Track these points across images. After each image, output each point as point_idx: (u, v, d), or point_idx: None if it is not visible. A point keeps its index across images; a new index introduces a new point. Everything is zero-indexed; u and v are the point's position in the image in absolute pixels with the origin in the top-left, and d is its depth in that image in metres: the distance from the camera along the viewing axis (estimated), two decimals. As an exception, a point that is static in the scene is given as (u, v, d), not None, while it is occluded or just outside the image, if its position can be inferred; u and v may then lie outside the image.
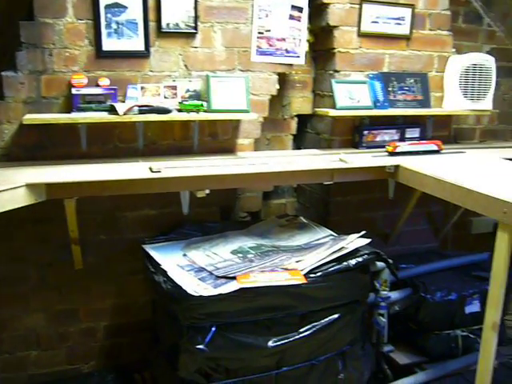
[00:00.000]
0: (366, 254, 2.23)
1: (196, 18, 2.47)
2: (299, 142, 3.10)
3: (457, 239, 3.45)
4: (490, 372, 2.02)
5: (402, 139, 2.86)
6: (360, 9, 2.74)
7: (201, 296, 1.94)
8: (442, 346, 2.72)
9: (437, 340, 2.71)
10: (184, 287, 1.98)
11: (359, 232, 2.33)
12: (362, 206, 2.98)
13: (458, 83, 2.86)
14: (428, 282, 2.70)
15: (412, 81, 2.88)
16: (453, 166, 2.45)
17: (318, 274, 2.11)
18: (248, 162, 2.46)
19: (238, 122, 2.62)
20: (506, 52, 3.57)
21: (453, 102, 2.91)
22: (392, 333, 2.67)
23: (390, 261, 2.41)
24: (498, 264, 1.90)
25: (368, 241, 2.27)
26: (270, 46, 2.60)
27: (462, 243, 3.45)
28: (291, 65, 2.71)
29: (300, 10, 2.61)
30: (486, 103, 2.93)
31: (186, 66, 2.51)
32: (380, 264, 2.41)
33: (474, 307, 2.70)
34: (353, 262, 2.18)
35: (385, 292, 2.55)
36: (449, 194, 2.09)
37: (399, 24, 2.82)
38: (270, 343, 2.08)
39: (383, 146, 2.68)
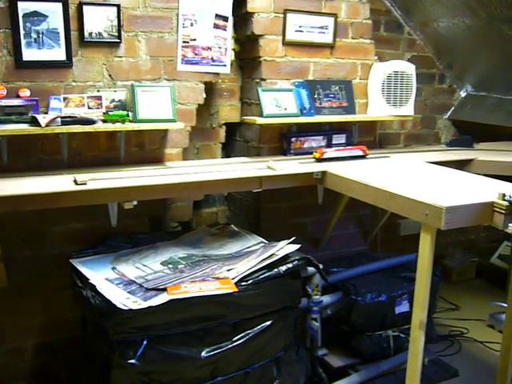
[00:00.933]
0: (296, 259, 2.25)
1: (119, 27, 2.43)
2: (229, 151, 3.11)
3: (386, 241, 3.56)
4: (419, 370, 2.08)
5: (329, 145, 2.92)
6: (284, 18, 2.79)
7: (130, 310, 1.90)
8: (375, 347, 2.77)
9: (369, 341, 2.76)
10: (113, 301, 1.93)
11: (290, 238, 2.36)
12: (293, 212, 3.01)
13: (381, 90, 2.95)
14: (358, 284, 2.75)
15: (337, 88, 2.95)
16: (377, 171, 2.52)
17: (249, 281, 2.11)
18: (176, 171, 2.44)
19: (165, 131, 2.60)
20: (425, 59, 3.72)
21: (376, 108, 3.00)
22: (326, 336, 2.70)
23: (320, 266, 2.45)
24: (422, 265, 1.97)
25: (297, 247, 2.29)
26: (196, 54, 2.60)
27: (391, 245, 3.56)
28: (218, 74, 2.72)
29: (225, 19, 2.63)
30: (408, 109, 3.04)
31: (110, 75, 2.47)
32: (311, 269, 2.44)
33: (403, 307, 2.77)
34: (283, 268, 2.19)
35: (317, 297, 2.58)
36: (373, 198, 2.14)
37: (323, 33, 2.88)
38: (204, 354, 2.06)
39: (311, 153, 2.72)
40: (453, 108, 3.91)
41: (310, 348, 2.65)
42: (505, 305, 2.31)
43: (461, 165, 2.85)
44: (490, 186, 2.14)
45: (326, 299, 2.67)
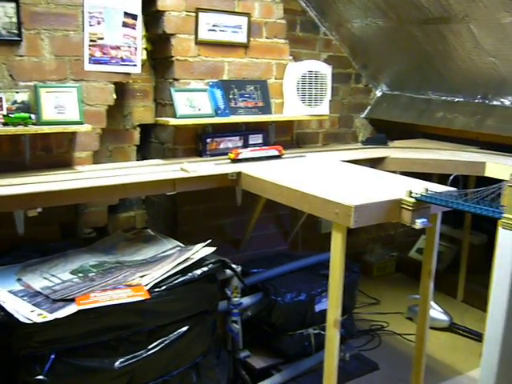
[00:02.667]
0: (211, 263, 2.21)
1: (19, 24, 2.30)
2: (144, 153, 3.02)
3: (307, 240, 3.58)
4: (336, 367, 2.08)
5: (246, 146, 2.90)
6: (196, 17, 2.74)
7: (35, 323, 1.80)
8: (296, 346, 2.78)
9: (291, 340, 2.77)
10: (16, 315, 1.83)
11: (209, 240, 2.31)
12: (212, 214, 2.97)
13: (296, 90, 2.96)
14: (278, 284, 2.75)
15: (252, 88, 2.93)
16: (292, 170, 2.52)
17: (163, 287, 2.06)
18: (86, 175, 2.34)
19: (73, 134, 2.49)
20: (342, 59, 3.79)
21: (292, 107, 3.00)
22: (247, 338, 2.69)
23: (239, 267, 2.43)
24: (334, 263, 1.98)
25: (213, 249, 2.26)
26: (104, 54, 2.50)
27: (312, 243, 3.58)
28: (129, 74, 2.63)
29: (134, 17, 2.55)
30: (323, 108, 3.06)
31: (11, 75, 2.33)
32: (229, 272, 2.41)
33: (322, 305, 2.79)
34: (198, 272, 2.15)
35: (236, 299, 2.56)
36: (286, 198, 2.14)
37: (236, 32, 2.86)
38: (117, 364, 1.98)
39: (227, 154, 2.69)
40: (369, 107, 4.00)
41: (231, 351, 2.63)
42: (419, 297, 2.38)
43: (375, 163, 2.90)
44: (400, 184, 2.19)
45: (246, 301, 2.65)
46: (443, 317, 3.34)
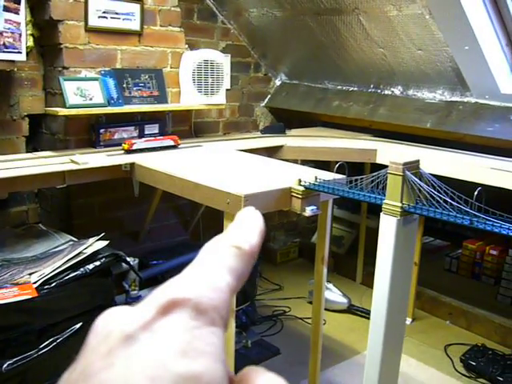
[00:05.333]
0: (104, 256, 2.16)
1: None
2: (35, 144, 2.89)
3: (210, 229, 3.57)
4: (232, 355, 2.10)
5: (142, 136, 2.84)
6: (86, 3, 2.63)
7: None
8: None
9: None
10: None
11: (103, 234, 2.26)
12: (109, 206, 2.90)
13: (192, 79, 2.93)
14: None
15: (147, 77, 2.87)
16: (187, 161, 2.50)
17: (53, 284, 1.99)
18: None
19: (-49, 125, 2.34)
20: (241, 48, 3.79)
21: (188, 96, 2.97)
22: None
23: (134, 260, 2.39)
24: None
25: (106, 243, 2.20)
26: (-15, 40, 2.36)
27: (216, 232, 3.58)
28: (13, 61, 2.49)
29: (16, 1, 2.41)
30: (220, 97, 3.06)
31: None
32: (125, 265, 2.37)
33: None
34: (90, 266, 2.10)
35: (134, 292, 2.53)
36: (179, 188, 2.12)
37: (129, 20, 2.78)
38: (5, 367, 1.90)
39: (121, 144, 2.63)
40: (269, 96, 4.05)
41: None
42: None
43: (272, 151, 2.94)
44: (292, 172, 2.23)
45: (145, 293, 2.62)
46: (342, 299, 3.46)
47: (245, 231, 0.35)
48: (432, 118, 3.12)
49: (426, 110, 3.18)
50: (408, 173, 1.62)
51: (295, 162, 3.47)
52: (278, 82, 4.08)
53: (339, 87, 3.69)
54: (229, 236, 0.34)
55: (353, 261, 3.90)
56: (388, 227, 1.69)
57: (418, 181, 1.62)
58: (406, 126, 3.22)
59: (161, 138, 2.71)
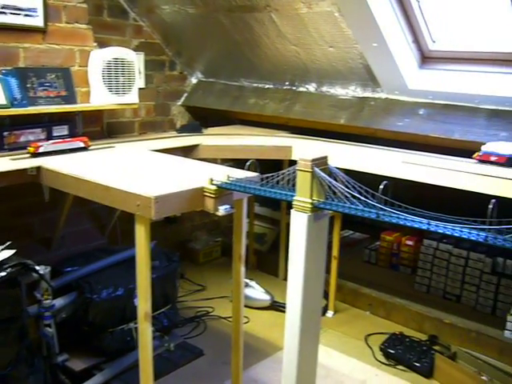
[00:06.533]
0: (10, 266, 2.05)
1: None
2: None
3: (128, 232, 3.46)
4: (151, 360, 2.05)
5: (50, 138, 2.72)
6: (-19, -3, 2.49)
7: None
8: (118, 342, 2.70)
9: (111, 337, 2.69)
10: None
11: (9, 242, 2.14)
12: (16, 213, 2.76)
13: (102, 78, 2.83)
14: (94, 281, 2.64)
15: (53, 76, 2.75)
16: (97, 163, 2.41)
17: (-47, 299, 1.87)
18: None
19: None
20: (154, 46, 3.72)
21: (98, 96, 2.87)
22: (65, 340, 2.56)
23: (46, 269, 2.28)
24: (140, 256, 1.95)
25: (13, 252, 2.09)
26: None
27: (133, 236, 3.49)
28: None
29: None
30: (132, 96, 2.97)
31: None
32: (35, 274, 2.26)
33: (142, 298, 2.74)
34: (-6, 278, 1.98)
35: (47, 301, 2.41)
36: (88, 192, 2.05)
37: (31, 16, 2.65)
38: None
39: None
40: (185, 94, 3.99)
41: (47, 356, 2.48)
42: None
43: (187, 151, 2.90)
44: (206, 172, 2.19)
45: (59, 302, 2.52)
46: (265, 296, 3.47)
47: None
48: (346, 114, 3.18)
49: (339, 106, 3.24)
50: (317, 169, 1.62)
51: (214, 161, 3.45)
52: (194, 80, 4.03)
53: (255, 85, 3.70)
54: None
55: (275, 257, 3.92)
56: (299, 223, 1.69)
57: (327, 177, 1.63)
58: (321, 123, 3.26)
59: (69, 139, 2.60)
